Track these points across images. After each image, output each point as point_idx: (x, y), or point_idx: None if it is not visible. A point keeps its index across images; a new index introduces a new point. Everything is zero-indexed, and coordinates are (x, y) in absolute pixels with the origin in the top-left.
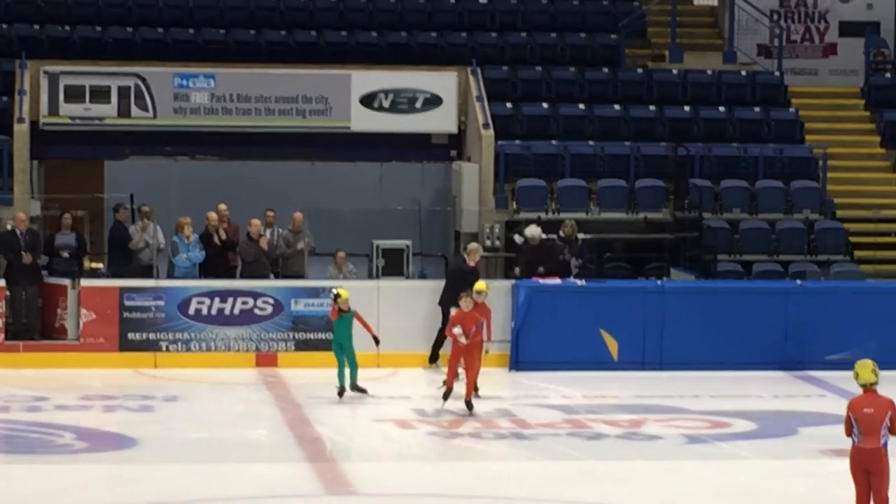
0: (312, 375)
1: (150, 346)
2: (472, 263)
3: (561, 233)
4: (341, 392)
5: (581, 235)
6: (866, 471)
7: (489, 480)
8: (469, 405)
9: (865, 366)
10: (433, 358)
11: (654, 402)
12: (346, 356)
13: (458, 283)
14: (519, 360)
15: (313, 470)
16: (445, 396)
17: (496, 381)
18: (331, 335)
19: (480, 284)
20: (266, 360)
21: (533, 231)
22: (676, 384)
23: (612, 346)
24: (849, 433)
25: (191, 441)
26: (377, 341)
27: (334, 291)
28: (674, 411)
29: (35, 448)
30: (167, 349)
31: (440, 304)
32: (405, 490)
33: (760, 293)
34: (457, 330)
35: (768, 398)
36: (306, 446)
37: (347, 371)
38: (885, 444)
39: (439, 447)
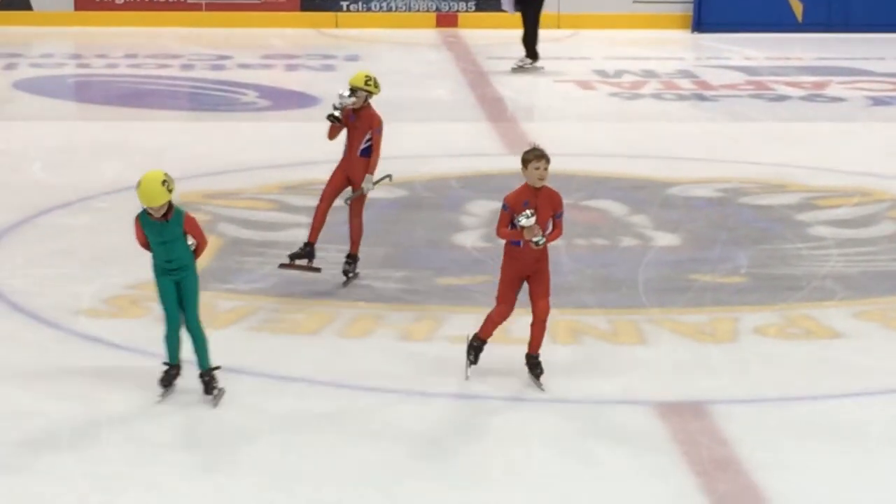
0: (493, 36)
1: (332, 5)
2: None
3: None
4: None
5: None
6: None
7: (669, 141)
8: (535, 368)
9: None
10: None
11: (839, 63)
12: None
13: None
14: (702, 21)
15: (495, 129)
16: (473, 354)
17: (678, 42)
18: None
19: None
20: (447, 20)
21: None
22: (862, 46)
23: (797, 7)
24: None
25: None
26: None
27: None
28: (858, 73)
29: (219, 105)
30: (348, 9)
31: None
32: (585, 150)
33: None
34: (525, 221)
35: None
36: (487, 106)
37: None
38: None
39: (620, 108)
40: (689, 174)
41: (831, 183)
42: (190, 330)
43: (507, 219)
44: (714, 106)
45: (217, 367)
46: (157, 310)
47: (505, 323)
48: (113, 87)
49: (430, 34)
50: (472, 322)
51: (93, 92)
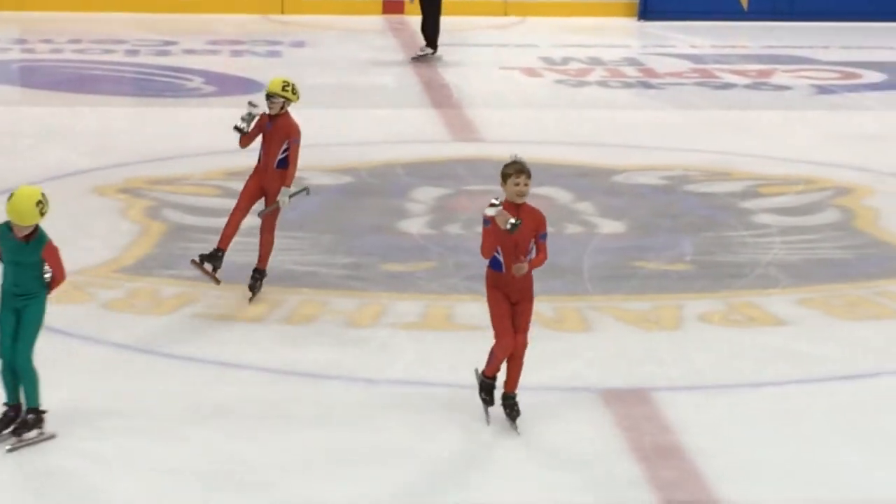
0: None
1: None
2: None
3: None
4: None
5: None
6: None
7: (615, 129)
8: (511, 410)
9: None
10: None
11: (784, 52)
12: None
13: None
14: (648, 9)
15: (440, 116)
16: (486, 394)
17: (624, 30)
18: None
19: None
20: (393, 6)
21: None
22: (807, 34)
23: None
24: None
25: (318, 86)
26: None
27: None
28: (803, 62)
29: (165, 91)
30: None
31: None
32: (531, 137)
33: None
34: (492, 210)
35: None
36: (433, 93)
37: None
38: None
39: (566, 95)
40: (634, 162)
41: (775, 171)
42: (19, 364)
43: (490, 235)
44: (659, 94)
45: (44, 411)
46: (102, 296)
47: (450, 309)
48: (58, 72)
49: (377, 20)
50: (417, 309)
51: (37, 77)
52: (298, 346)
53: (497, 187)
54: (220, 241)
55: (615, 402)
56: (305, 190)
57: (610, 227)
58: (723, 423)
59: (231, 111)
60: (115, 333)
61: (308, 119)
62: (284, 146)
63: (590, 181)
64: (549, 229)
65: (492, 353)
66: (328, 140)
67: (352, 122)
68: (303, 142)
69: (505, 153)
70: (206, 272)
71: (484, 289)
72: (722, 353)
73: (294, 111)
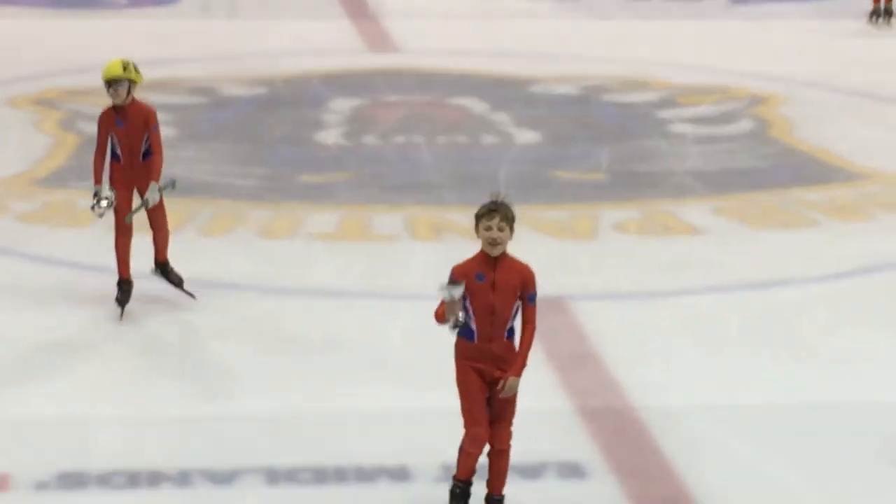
0: None
1: None
2: None
3: None
4: None
5: None
6: None
7: (532, 39)
8: None
9: None
10: None
11: None
12: None
13: None
14: None
15: (356, 27)
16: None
17: None
18: None
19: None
20: None
21: None
22: None
23: None
24: None
25: None
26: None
27: None
28: None
29: (79, 2)
30: None
31: None
32: (448, 47)
33: None
34: (443, 292)
35: None
36: (348, 4)
37: None
38: None
39: (482, 5)
40: (551, 72)
41: (692, 80)
42: None
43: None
44: (576, 5)
45: None
46: (16, 209)
47: (367, 220)
48: None
49: None
50: (333, 219)
51: None
52: (213, 258)
53: (414, 98)
54: (121, 271)
55: None
56: (173, 183)
57: (526, 137)
58: (638, 332)
59: (145, 22)
60: (30, 246)
61: (223, 31)
62: (146, 136)
63: (506, 91)
64: (465, 139)
65: (461, 450)
66: (242, 51)
67: (266, 34)
68: (217, 53)
69: (423, 64)
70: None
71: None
72: (638, 262)
73: (214, 24)
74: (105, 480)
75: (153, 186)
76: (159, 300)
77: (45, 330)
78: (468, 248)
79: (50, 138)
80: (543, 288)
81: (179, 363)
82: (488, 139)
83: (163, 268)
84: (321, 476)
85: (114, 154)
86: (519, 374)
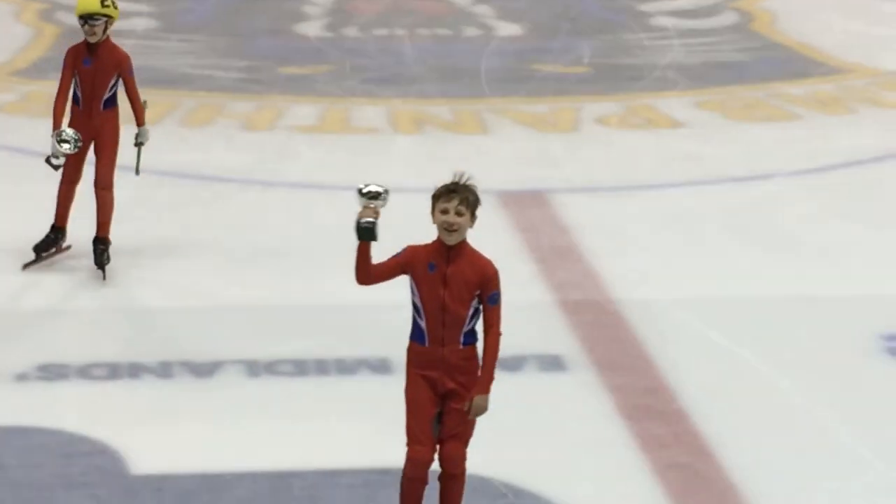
0: None
1: None
2: None
3: None
4: None
5: None
6: None
7: None
8: None
9: None
10: None
11: None
12: None
13: None
14: None
15: None
16: None
17: None
18: None
19: None
20: None
21: None
22: None
23: None
24: None
25: None
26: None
27: None
28: None
29: None
30: None
31: None
32: None
33: None
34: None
35: None
36: None
37: None
38: None
39: None
40: None
41: None
42: None
43: (390, 262)
44: None
45: None
46: None
47: (348, 112)
48: None
49: None
50: (314, 112)
51: None
52: (194, 150)
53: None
54: (57, 219)
55: (512, 204)
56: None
57: (508, 29)
58: (619, 225)
59: None
60: (10, 137)
61: None
62: (112, 82)
63: None
64: (447, 31)
65: (402, 480)
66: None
67: None
68: None
69: None
70: (52, 255)
71: None
72: (619, 156)
73: None
74: (85, 372)
75: (143, 131)
76: (143, 196)
77: (26, 220)
78: (449, 140)
79: (30, 29)
80: (524, 181)
81: (162, 258)
82: (470, 32)
83: (104, 245)
84: (302, 367)
85: (74, 96)
86: (486, 391)
